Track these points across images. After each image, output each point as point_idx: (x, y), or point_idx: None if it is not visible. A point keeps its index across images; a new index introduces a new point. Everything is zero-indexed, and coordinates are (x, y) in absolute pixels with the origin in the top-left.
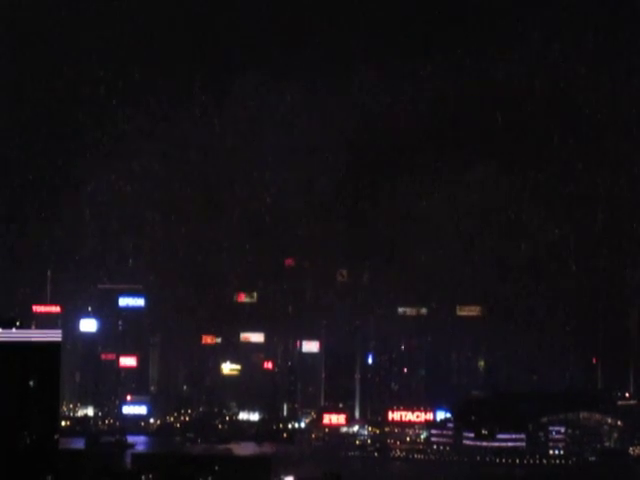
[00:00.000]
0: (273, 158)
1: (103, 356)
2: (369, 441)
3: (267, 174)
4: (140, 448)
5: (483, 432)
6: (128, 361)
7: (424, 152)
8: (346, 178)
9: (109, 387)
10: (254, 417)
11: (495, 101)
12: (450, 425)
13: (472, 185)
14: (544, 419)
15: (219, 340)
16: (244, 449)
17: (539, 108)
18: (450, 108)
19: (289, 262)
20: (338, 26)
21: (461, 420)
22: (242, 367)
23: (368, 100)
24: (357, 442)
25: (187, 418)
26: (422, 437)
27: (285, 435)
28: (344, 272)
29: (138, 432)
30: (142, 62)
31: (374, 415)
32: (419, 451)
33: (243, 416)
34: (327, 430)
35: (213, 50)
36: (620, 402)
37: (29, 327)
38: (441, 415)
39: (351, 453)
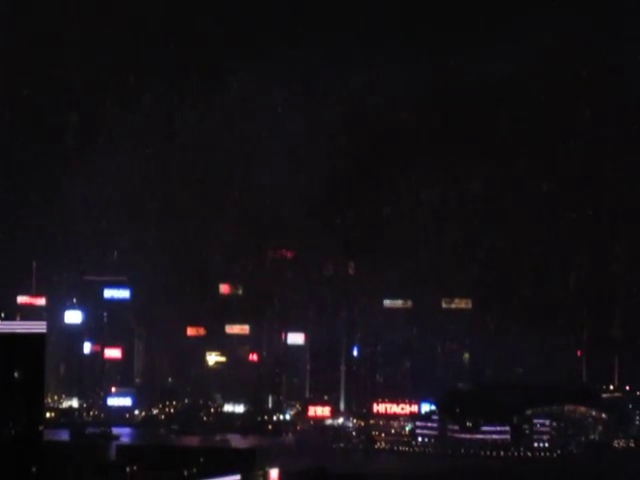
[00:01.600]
0: (264, 151)
1: (88, 347)
2: (354, 433)
3: (256, 167)
4: (125, 440)
5: (468, 424)
6: (113, 353)
7: (416, 147)
8: (335, 172)
9: (94, 379)
10: (239, 409)
11: (492, 99)
12: (435, 417)
13: (462, 180)
14: (529, 412)
15: (204, 332)
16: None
17: (537, 107)
18: (445, 106)
19: (275, 254)
20: (338, 25)
21: (446, 412)
22: (227, 359)
23: (362, 96)
24: (342, 434)
25: (172, 410)
26: (407, 429)
27: (270, 427)
28: (330, 264)
29: (123, 424)
30: (139, 60)
31: (359, 407)
32: (404, 443)
33: (228, 408)
34: (312, 422)
35: (211, 48)
36: (605, 395)
37: (13, 318)
38: (426, 407)
39: (336, 445)
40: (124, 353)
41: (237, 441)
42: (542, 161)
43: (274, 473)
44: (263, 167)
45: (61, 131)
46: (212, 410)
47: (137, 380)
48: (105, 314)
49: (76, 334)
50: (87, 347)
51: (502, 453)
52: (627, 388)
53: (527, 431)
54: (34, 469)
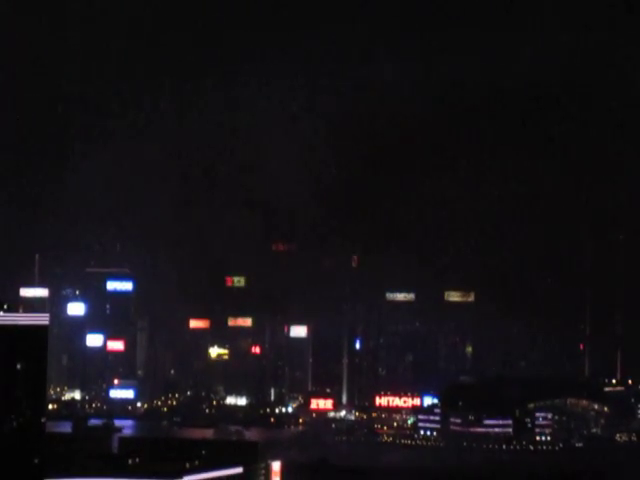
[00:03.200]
0: (269, 144)
1: (90, 339)
2: (356, 426)
3: (260, 160)
4: (127, 432)
5: (470, 418)
6: (116, 345)
7: (418, 143)
8: (339, 166)
9: (96, 371)
10: (242, 401)
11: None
12: (437, 411)
13: (465, 173)
14: (531, 405)
15: (207, 324)
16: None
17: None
18: (449, 104)
19: (278, 247)
20: (351, 18)
21: (448, 406)
22: (230, 351)
23: (366, 94)
24: (344, 427)
25: (174, 402)
26: (409, 422)
27: (272, 420)
28: (333, 257)
29: (125, 416)
30: (150, 54)
31: (361, 400)
32: (406, 436)
33: (230, 400)
34: (314, 415)
35: (224, 35)
36: (607, 388)
37: (16, 310)
38: (428, 400)
39: (338, 438)
40: (127, 345)
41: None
42: (542, 155)
43: (276, 466)
44: (268, 160)
45: (64, 124)
46: (214, 402)
47: (139, 372)
48: (108, 306)
49: (79, 326)
50: (99, 340)
51: (504, 446)
52: (629, 382)
53: (529, 424)
54: (36, 461)
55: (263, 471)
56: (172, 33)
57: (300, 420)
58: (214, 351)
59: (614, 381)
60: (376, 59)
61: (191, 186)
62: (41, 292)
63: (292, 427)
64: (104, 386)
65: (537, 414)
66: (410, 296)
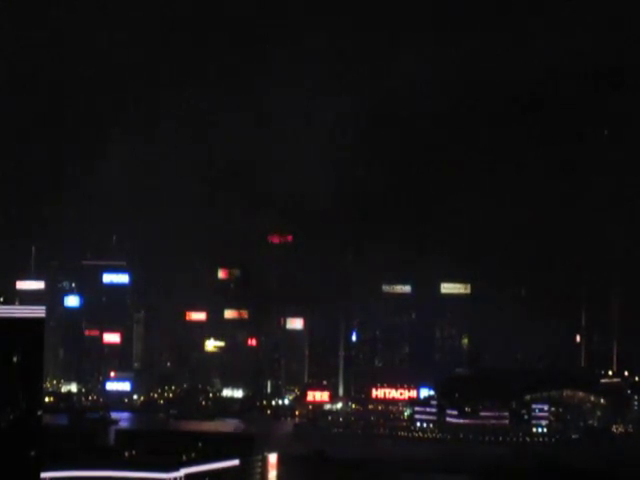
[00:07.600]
0: (267, 138)
1: (87, 332)
2: (352, 418)
3: (257, 153)
4: (124, 424)
5: (466, 410)
6: (112, 337)
7: (416, 137)
8: (337, 159)
9: (93, 363)
10: (238, 394)
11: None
12: (434, 402)
13: (462, 166)
14: (527, 397)
15: (203, 317)
16: (227, 426)
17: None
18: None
19: (274, 239)
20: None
21: (445, 398)
22: (226, 344)
23: (368, 87)
24: (340, 419)
25: (171, 395)
26: (406, 414)
27: (269, 412)
28: (330, 249)
29: (122, 408)
30: (157, 50)
31: (358, 392)
32: (402, 428)
33: (227, 393)
34: (311, 407)
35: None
36: (603, 380)
37: (13, 303)
38: (425, 392)
39: (335, 430)
40: (123, 338)
41: (235, 426)
42: (540, 148)
43: (273, 458)
44: (266, 153)
45: (63, 117)
46: (211, 395)
47: (136, 365)
48: (104, 299)
49: (75, 319)
50: (96, 332)
51: (501, 438)
52: (625, 373)
53: (526, 416)
54: (33, 453)
55: (260, 463)
56: (182, 31)
57: (297, 412)
58: (210, 343)
59: (610, 373)
60: (376, 57)
61: (189, 179)
62: (37, 285)
63: (289, 419)
64: (100, 379)
65: (533, 406)
66: (406, 288)
